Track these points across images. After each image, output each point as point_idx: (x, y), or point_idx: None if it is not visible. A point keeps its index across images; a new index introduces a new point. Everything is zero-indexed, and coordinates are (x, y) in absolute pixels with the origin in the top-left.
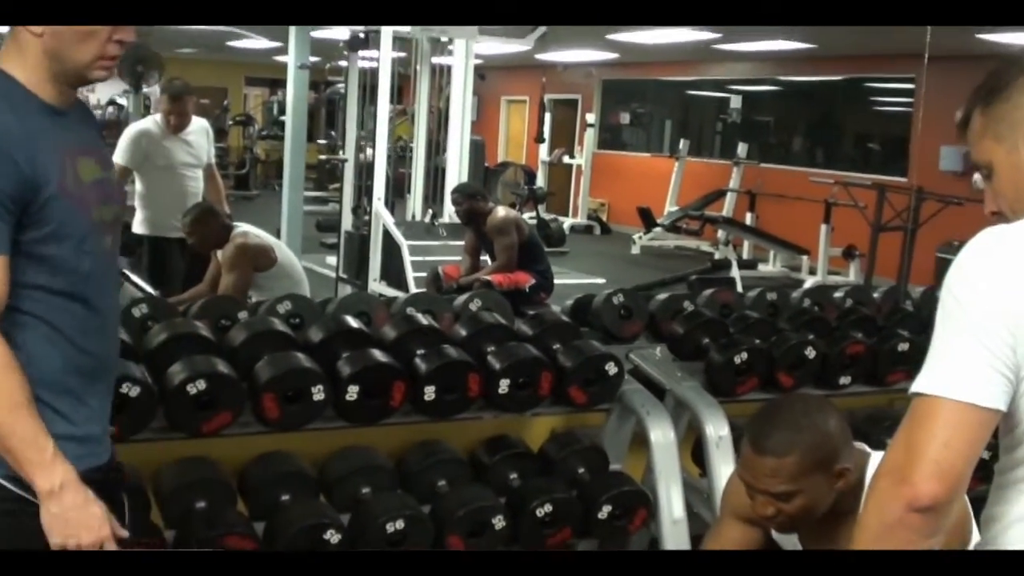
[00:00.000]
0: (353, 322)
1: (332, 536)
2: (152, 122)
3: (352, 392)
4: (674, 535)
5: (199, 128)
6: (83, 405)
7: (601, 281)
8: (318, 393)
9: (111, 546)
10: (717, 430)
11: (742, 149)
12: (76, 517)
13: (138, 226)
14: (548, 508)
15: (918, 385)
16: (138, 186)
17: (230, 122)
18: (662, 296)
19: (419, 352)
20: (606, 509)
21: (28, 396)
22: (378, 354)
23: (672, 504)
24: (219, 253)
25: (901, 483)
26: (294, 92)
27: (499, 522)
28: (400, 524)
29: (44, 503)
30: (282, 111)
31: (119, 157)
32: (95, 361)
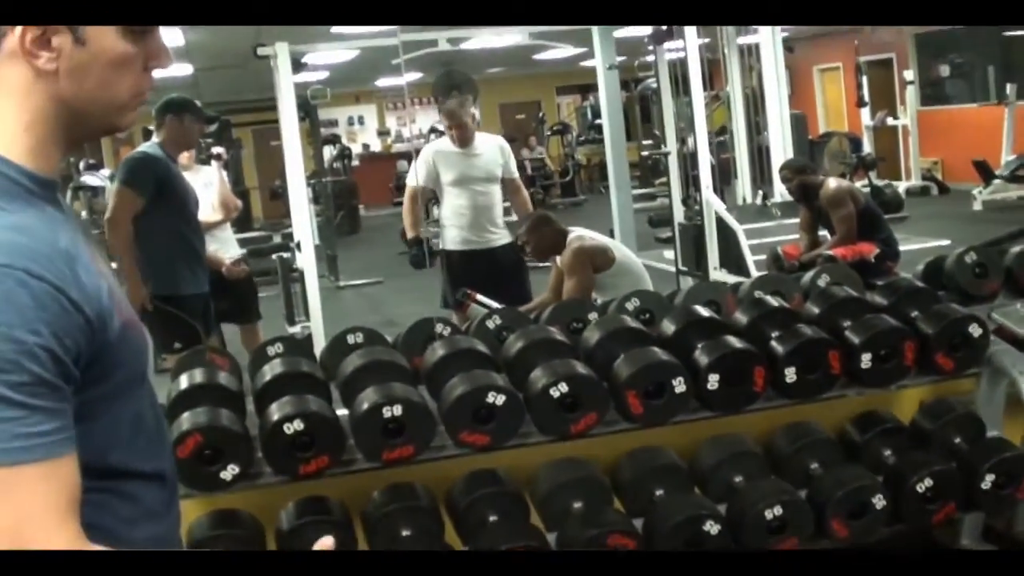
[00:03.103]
0: (704, 311)
1: (711, 527)
2: (446, 139)
3: (713, 381)
4: None
5: (491, 144)
6: None
7: (946, 243)
8: (679, 385)
9: None
10: None
11: None
12: None
13: (441, 242)
14: (929, 483)
15: None
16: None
17: (548, 133)
18: (1016, 249)
19: (775, 334)
20: (989, 478)
21: None
22: (734, 340)
23: None
24: (558, 259)
25: None
26: (607, 93)
27: (879, 501)
28: (778, 510)
29: None
30: (596, 115)
31: (415, 178)
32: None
